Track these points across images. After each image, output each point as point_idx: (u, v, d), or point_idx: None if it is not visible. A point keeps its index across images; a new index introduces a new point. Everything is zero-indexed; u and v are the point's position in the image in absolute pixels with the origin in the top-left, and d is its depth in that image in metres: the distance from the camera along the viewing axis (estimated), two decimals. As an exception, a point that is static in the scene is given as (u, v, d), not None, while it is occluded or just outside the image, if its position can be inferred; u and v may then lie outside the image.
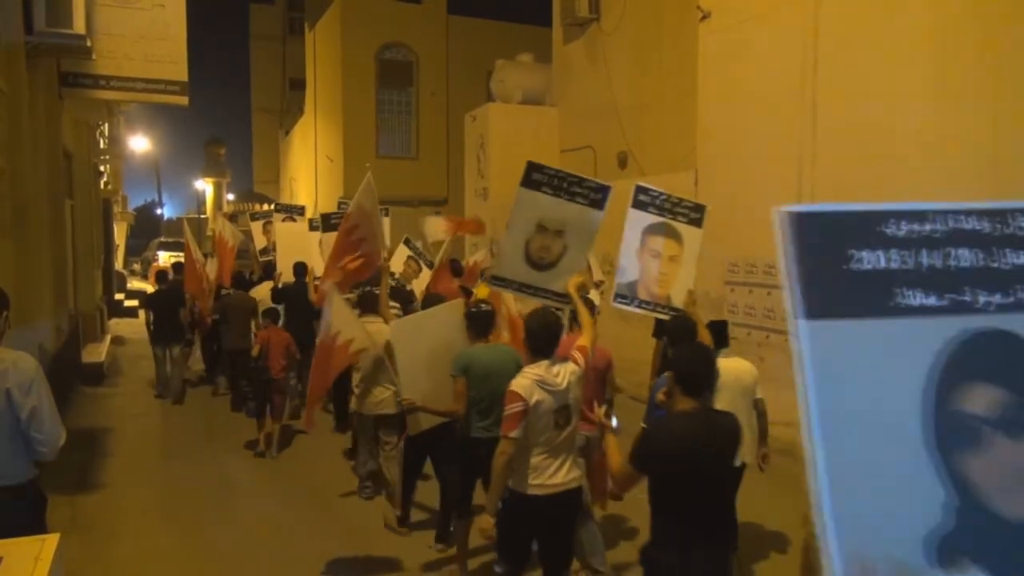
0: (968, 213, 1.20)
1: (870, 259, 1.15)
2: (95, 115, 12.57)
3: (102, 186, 17.15)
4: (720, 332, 4.94)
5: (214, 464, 7.48)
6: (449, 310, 5.30)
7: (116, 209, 22.75)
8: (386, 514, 5.69)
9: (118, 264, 24.02)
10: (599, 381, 5.02)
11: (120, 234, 26.60)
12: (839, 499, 1.09)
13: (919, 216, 1.18)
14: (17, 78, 6.83)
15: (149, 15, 9.40)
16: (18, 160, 6.73)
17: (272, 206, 13.93)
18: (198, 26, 11.39)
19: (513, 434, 3.62)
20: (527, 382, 3.67)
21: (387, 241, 7.86)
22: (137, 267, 32.08)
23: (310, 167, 28.55)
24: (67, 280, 10.50)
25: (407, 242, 9.40)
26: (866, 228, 1.19)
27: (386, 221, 9.32)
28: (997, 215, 1.20)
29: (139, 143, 23.94)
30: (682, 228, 5.15)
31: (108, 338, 13.34)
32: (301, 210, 11.97)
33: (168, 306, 9.92)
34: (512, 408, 3.62)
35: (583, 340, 4.05)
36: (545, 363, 3.74)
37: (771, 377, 8.25)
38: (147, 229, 41.18)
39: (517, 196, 4.78)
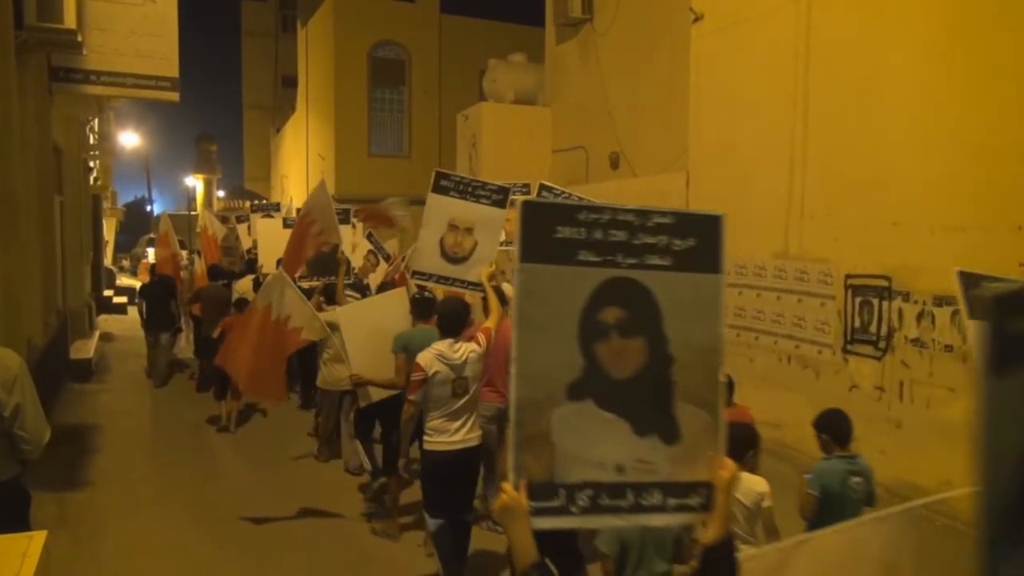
0: (625, 211, 2.00)
1: (563, 232, 1.94)
2: (85, 110, 12.50)
3: (92, 182, 17.06)
4: None
5: (201, 461, 7.47)
6: (391, 297, 6.20)
7: (106, 205, 22.63)
8: (385, 527, 5.77)
9: (107, 260, 23.88)
10: (507, 359, 5.32)
11: (109, 230, 26.45)
12: (525, 361, 1.92)
13: (596, 210, 1.97)
14: (7, 73, 6.79)
15: (141, 10, 9.35)
16: (7, 155, 6.69)
17: (249, 204, 14.61)
18: (190, 22, 11.46)
19: (413, 398, 4.47)
20: (429, 356, 4.42)
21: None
22: (126, 263, 31.89)
23: (302, 165, 28.46)
24: (56, 276, 10.45)
25: (369, 236, 9.83)
26: (565, 214, 1.95)
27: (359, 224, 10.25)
28: (642, 214, 2.01)
29: (129, 139, 23.83)
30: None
31: (97, 334, 13.27)
32: (276, 207, 12.71)
33: (159, 296, 10.77)
34: (415, 377, 4.43)
35: (489, 323, 4.73)
36: (450, 341, 4.49)
37: (760, 377, 8.33)
38: (137, 225, 40.95)
39: (428, 200, 5.50)
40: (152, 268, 11.59)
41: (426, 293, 5.59)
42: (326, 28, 24.21)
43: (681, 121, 9.96)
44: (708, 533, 1.90)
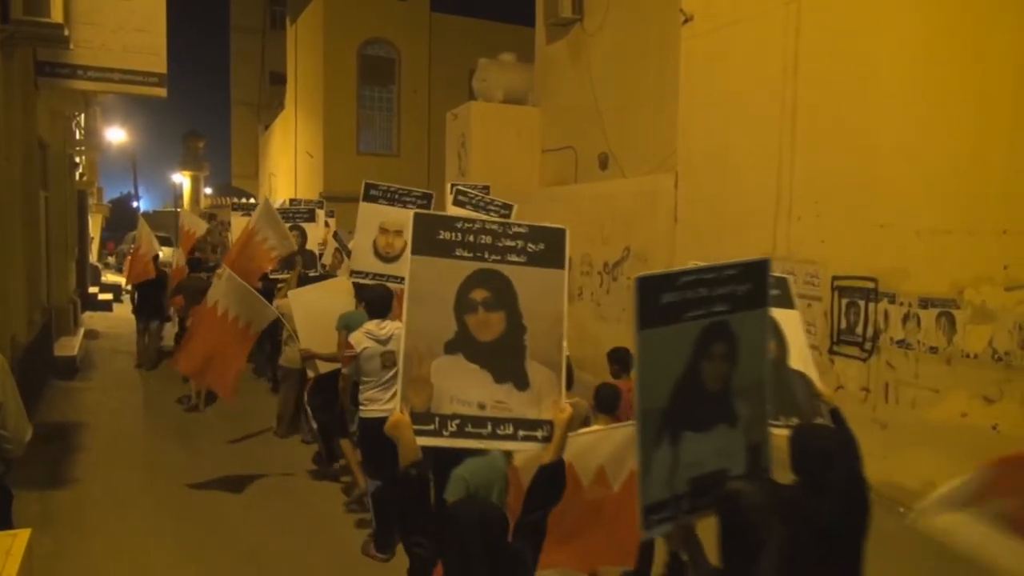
0: (492, 222, 2.78)
1: (444, 235, 2.67)
2: (71, 105, 12.40)
3: (77, 178, 16.90)
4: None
5: (186, 459, 7.42)
6: (336, 283, 7.01)
7: (91, 201, 22.41)
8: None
9: (92, 257, 23.69)
10: None
11: (95, 227, 26.21)
12: (412, 324, 2.63)
13: (470, 221, 2.74)
14: (-8, 66, 6.73)
15: (128, 5, 9.29)
16: (-8, 150, 6.63)
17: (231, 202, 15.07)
18: (178, 18, 11.43)
19: (345, 371, 5.31)
20: (359, 334, 5.14)
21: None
22: (112, 260, 31.63)
23: (290, 162, 28.36)
24: (40, 272, 10.36)
25: (336, 236, 10.32)
26: (447, 222, 2.72)
27: (332, 222, 11.28)
28: (504, 225, 2.77)
29: (116, 135, 23.62)
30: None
31: (81, 332, 13.15)
32: (254, 207, 12.92)
33: (150, 287, 11.36)
34: (347, 353, 5.20)
35: None
36: (377, 321, 5.20)
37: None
38: (123, 222, 40.62)
39: (360, 209, 6.39)
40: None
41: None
42: (316, 25, 24.13)
43: (670, 122, 9.99)
44: (546, 457, 2.60)
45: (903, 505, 6.45)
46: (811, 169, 7.57)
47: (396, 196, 6.53)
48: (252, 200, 24.66)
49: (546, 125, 15.49)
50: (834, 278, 7.27)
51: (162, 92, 9.76)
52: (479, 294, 2.68)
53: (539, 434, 2.64)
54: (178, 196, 43.60)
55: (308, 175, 25.24)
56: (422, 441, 2.53)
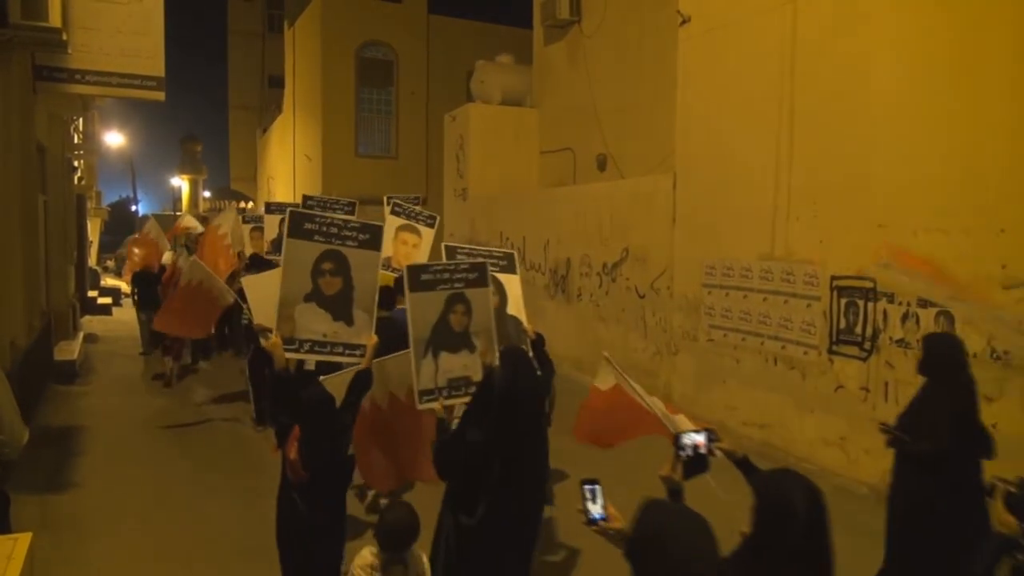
0: (336, 217, 4.39)
1: (309, 226, 4.17)
2: (70, 109, 12.39)
3: (76, 181, 16.91)
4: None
5: (185, 462, 7.42)
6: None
7: (90, 205, 22.42)
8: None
9: (91, 261, 23.67)
10: None
11: (94, 230, 26.21)
12: (285, 282, 4.19)
13: (323, 216, 4.28)
14: (-10, 71, 6.74)
15: (126, 9, 9.29)
16: (-10, 154, 6.63)
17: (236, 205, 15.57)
18: (176, 21, 11.44)
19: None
20: None
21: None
22: (111, 264, 31.59)
23: (288, 165, 28.35)
24: (39, 276, 10.35)
25: None
26: (311, 219, 4.22)
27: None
28: (345, 220, 4.35)
29: (114, 138, 23.62)
30: (421, 228, 7.46)
31: (81, 336, 13.14)
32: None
33: (149, 282, 12.53)
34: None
35: None
36: None
37: (746, 378, 8.37)
38: (121, 226, 40.59)
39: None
40: (135, 276, 13.31)
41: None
42: (313, 28, 24.14)
43: (668, 123, 10.01)
44: (361, 365, 4.09)
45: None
46: (809, 169, 7.59)
47: (327, 206, 8.05)
48: (251, 204, 24.64)
49: (544, 126, 15.50)
50: (833, 278, 7.27)
51: (160, 96, 9.77)
52: (327, 265, 4.22)
53: (358, 353, 4.23)
54: (177, 199, 43.54)
55: (307, 178, 25.22)
56: (287, 355, 4.08)
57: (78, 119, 14.89)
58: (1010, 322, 5.77)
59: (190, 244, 13.04)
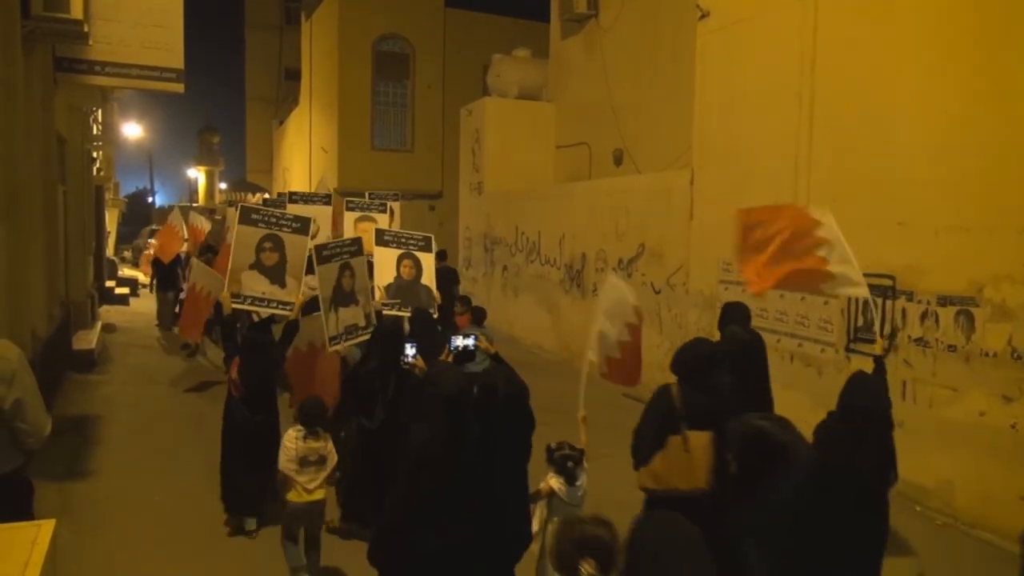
0: (277, 211, 6.48)
1: (255, 216, 6.11)
2: (89, 101, 12.48)
3: (94, 172, 17.03)
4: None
5: (202, 451, 7.46)
6: None
7: (108, 196, 22.55)
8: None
9: (109, 251, 23.85)
10: None
11: (112, 221, 26.38)
12: (235, 257, 6.08)
13: (267, 210, 6.38)
14: (13, 63, 6.78)
15: (146, 2, 9.33)
16: (12, 144, 6.69)
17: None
18: (194, 14, 11.49)
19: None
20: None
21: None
22: (128, 254, 31.83)
23: (304, 158, 28.45)
24: (59, 266, 10.45)
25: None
26: (257, 210, 6.29)
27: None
28: (283, 214, 6.37)
29: (132, 130, 23.80)
30: (375, 215, 9.49)
31: (99, 325, 13.26)
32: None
33: (168, 266, 14.25)
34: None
35: None
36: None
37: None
38: (139, 216, 40.90)
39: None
40: (155, 260, 14.79)
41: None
42: (331, 21, 24.17)
43: (686, 118, 9.95)
44: (290, 317, 5.90)
45: (920, 504, 6.42)
46: (828, 166, 7.52)
47: (308, 199, 9.55)
48: (267, 195, 24.74)
49: (560, 121, 15.46)
50: (851, 275, 7.21)
51: (179, 87, 9.81)
52: (267, 244, 5.96)
53: (289, 308, 5.91)
54: (193, 191, 43.85)
55: (323, 170, 25.29)
56: (234, 306, 5.81)
57: (97, 110, 14.99)
58: (1032, 322, 5.71)
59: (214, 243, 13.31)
